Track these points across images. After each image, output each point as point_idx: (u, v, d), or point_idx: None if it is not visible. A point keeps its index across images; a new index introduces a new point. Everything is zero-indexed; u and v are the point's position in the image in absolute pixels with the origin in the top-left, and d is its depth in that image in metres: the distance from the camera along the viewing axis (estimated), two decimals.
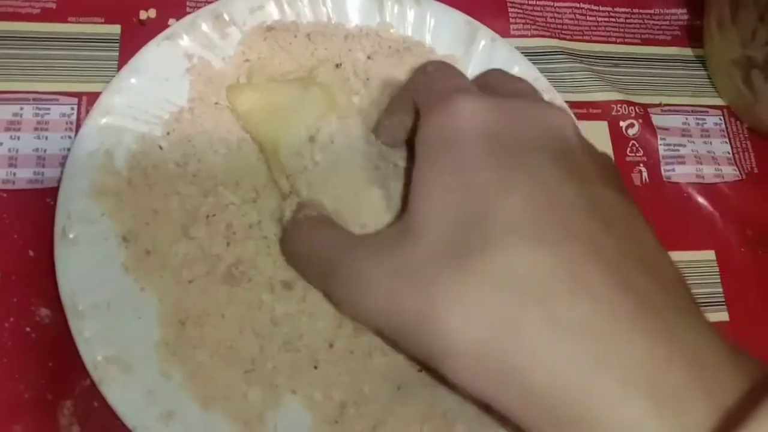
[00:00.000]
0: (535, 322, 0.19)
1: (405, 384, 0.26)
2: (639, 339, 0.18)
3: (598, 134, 0.35)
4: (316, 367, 0.25)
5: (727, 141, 0.37)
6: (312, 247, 0.24)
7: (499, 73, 0.28)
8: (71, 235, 0.25)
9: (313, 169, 0.27)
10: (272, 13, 0.31)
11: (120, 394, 0.23)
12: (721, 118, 0.38)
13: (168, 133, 0.27)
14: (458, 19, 0.32)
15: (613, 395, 0.18)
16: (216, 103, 0.28)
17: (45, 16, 0.31)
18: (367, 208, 0.26)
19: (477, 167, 0.21)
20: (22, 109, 0.29)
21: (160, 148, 0.27)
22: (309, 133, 0.27)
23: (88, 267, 0.25)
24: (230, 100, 0.28)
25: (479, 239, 0.20)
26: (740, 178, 0.36)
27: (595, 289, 0.19)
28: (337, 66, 0.30)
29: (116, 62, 0.30)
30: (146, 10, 0.31)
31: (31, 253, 0.27)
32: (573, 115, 0.25)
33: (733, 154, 0.37)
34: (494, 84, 0.27)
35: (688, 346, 0.19)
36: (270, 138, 0.27)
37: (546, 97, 0.28)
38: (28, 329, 0.26)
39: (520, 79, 0.28)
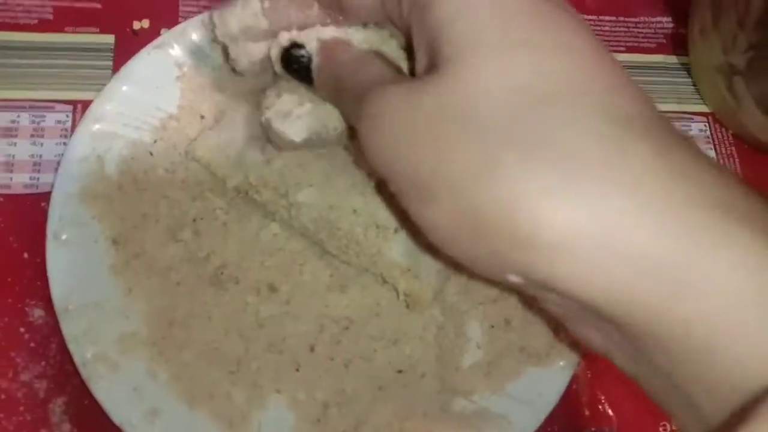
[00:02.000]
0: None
1: (386, 385, 0.26)
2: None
3: None
4: (297, 370, 0.26)
5: (713, 147, 0.37)
6: (354, 75, 0.21)
7: None
8: (63, 238, 0.26)
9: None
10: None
11: (108, 391, 0.24)
12: (706, 124, 0.38)
13: (155, 142, 0.28)
14: None
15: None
16: (202, 117, 0.29)
17: (42, 26, 0.32)
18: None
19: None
20: (18, 116, 0.30)
21: (151, 154, 0.28)
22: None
23: (78, 268, 0.26)
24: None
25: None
26: None
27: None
28: None
29: (110, 71, 0.31)
30: (140, 20, 0.33)
31: (25, 255, 0.28)
32: None
33: (719, 160, 0.37)
34: None
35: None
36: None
37: None
38: (21, 329, 0.26)
39: None
